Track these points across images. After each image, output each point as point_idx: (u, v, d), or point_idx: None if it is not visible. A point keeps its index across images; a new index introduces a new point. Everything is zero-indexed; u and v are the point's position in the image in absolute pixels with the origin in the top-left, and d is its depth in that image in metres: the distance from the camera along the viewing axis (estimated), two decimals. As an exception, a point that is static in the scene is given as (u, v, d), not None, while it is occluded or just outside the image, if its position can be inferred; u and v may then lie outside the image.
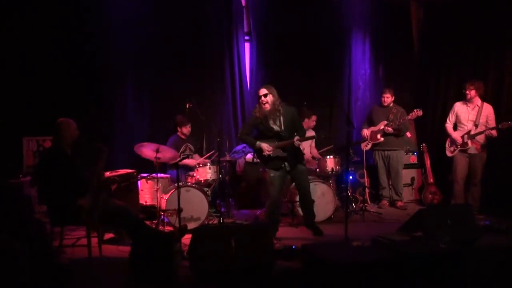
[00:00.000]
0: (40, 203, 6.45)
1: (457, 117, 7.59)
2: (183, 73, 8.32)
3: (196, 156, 7.64)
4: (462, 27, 8.50)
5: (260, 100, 6.20)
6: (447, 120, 7.73)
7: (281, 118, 6.23)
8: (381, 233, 5.09)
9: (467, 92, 7.36)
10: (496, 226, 6.23)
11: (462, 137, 7.42)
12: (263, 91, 6.20)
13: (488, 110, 7.37)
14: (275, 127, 6.23)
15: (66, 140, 5.29)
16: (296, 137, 6.17)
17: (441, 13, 8.93)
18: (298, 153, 6.39)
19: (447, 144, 7.68)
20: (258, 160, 6.49)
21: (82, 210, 4.97)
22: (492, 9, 8.01)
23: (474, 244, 4.97)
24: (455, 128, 7.65)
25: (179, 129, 7.58)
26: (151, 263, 4.52)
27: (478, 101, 7.39)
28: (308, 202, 6.50)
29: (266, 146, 6.19)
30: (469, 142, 7.34)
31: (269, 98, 6.17)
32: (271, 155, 6.19)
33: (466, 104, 7.47)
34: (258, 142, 6.22)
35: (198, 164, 7.11)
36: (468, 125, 7.42)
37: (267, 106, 6.18)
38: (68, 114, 5.71)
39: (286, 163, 6.25)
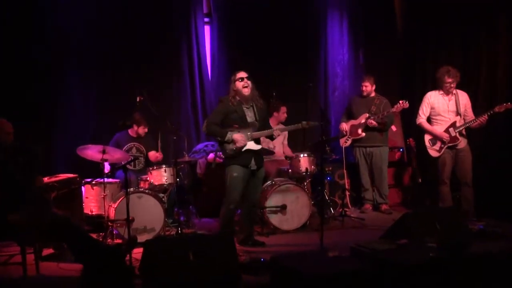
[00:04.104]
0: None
1: (432, 109, 7.52)
2: (133, 63, 8.29)
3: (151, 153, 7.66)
4: (450, 3, 8.57)
5: (240, 83, 6.20)
6: (420, 115, 7.60)
7: (254, 108, 6.31)
8: (362, 241, 5.15)
9: (452, 85, 7.31)
10: (491, 230, 6.33)
11: (447, 131, 7.37)
12: (244, 74, 6.25)
13: (465, 98, 7.43)
14: (249, 117, 6.28)
15: None
16: (277, 127, 6.26)
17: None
18: (262, 154, 6.47)
19: (428, 142, 7.53)
20: (221, 159, 6.47)
21: (15, 225, 4.94)
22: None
23: (466, 251, 5.06)
24: (428, 122, 7.60)
25: (135, 127, 7.59)
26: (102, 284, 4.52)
27: (453, 89, 7.40)
28: (254, 218, 6.64)
29: (239, 136, 6.14)
30: (457, 135, 7.32)
31: (250, 82, 6.24)
32: (243, 148, 6.17)
33: (442, 93, 7.45)
34: (229, 133, 6.16)
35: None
36: (449, 117, 7.40)
37: (248, 91, 6.22)
38: (2, 115, 5.68)
39: (253, 160, 6.28)
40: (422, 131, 7.60)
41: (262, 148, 6.39)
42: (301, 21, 9.32)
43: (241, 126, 6.23)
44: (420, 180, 8.54)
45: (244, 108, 6.29)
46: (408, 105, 7.94)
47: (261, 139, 6.49)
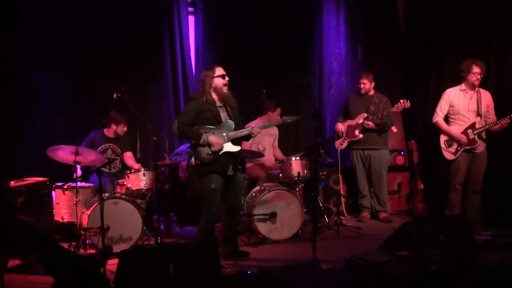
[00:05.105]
0: None
1: (451, 107, 7.47)
2: (110, 57, 8.25)
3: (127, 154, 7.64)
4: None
5: (222, 81, 6.19)
6: (438, 113, 7.54)
7: (227, 107, 6.30)
8: (359, 252, 5.15)
9: (479, 77, 7.22)
10: (500, 240, 6.34)
11: (465, 133, 7.34)
12: (223, 70, 6.23)
13: (488, 97, 7.40)
14: (223, 117, 6.27)
15: None
16: (253, 124, 6.26)
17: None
18: (247, 157, 6.47)
19: (443, 144, 7.47)
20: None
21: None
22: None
23: (471, 263, 5.06)
24: (446, 122, 7.57)
25: (113, 126, 7.56)
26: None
27: (479, 82, 7.33)
28: (236, 227, 6.58)
29: (216, 139, 6.12)
30: (475, 138, 7.28)
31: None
32: (220, 152, 6.15)
33: (464, 90, 7.40)
34: (205, 135, 6.12)
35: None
36: (469, 117, 7.36)
37: (226, 89, 6.22)
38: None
39: (231, 166, 6.26)
40: (428, 132, 7.66)
41: (241, 150, 6.38)
42: (294, 12, 9.30)
43: (216, 126, 6.21)
44: (422, 186, 8.55)
45: (218, 107, 6.28)
46: (409, 104, 7.94)
47: (250, 141, 6.46)
